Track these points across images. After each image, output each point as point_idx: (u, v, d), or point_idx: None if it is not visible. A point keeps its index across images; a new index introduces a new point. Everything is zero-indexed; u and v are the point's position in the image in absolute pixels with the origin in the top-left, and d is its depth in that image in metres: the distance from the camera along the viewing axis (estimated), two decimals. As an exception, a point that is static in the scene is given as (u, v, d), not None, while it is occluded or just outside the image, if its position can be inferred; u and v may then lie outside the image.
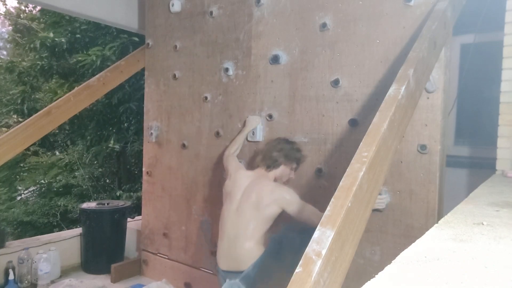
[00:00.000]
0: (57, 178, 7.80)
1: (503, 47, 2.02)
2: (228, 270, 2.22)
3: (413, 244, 0.88)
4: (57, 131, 7.88)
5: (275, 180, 2.36)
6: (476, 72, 2.86)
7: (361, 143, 1.46)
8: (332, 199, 1.28)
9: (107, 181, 8.13)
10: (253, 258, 2.15)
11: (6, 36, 10.77)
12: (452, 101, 2.82)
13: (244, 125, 2.87)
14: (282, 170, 2.36)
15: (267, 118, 2.77)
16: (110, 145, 6.83)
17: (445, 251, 0.84)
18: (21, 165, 8.20)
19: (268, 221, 2.19)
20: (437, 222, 1.07)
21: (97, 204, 3.87)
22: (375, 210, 2.20)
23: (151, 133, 3.53)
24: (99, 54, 6.30)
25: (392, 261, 0.78)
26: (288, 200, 2.16)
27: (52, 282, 3.33)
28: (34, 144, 6.33)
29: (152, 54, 3.59)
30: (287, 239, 2.20)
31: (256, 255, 2.16)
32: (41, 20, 8.00)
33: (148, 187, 3.63)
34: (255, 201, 2.19)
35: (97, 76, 3.68)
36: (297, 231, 2.16)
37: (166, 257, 3.45)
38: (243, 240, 2.18)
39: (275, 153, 2.34)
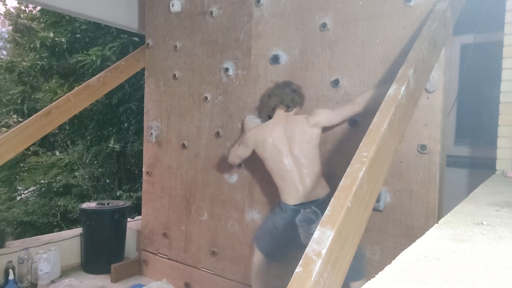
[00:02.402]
0: (57, 178, 7.78)
1: (503, 47, 2.02)
2: (299, 203, 2.33)
3: (413, 244, 0.88)
4: (57, 131, 7.87)
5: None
6: (476, 72, 2.86)
7: (361, 143, 1.46)
8: (332, 199, 1.28)
9: (107, 181, 8.11)
10: (323, 189, 2.33)
11: (6, 36, 10.77)
12: (452, 101, 2.82)
13: (242, 126, 2.87)
14: (295, 111, 2.51)
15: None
16: (110, 145, 6.82)
17: (445, 251, 0.83)
18: (21, 165, 8.18)
19: (317, 147, 2.38)
20: (437, 222, 1.07)
21: (97, 204, 3.87)
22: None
23: (151, 133, 3.53)
24: (99, 54, 6.30)
25: (392, 261, 0.78)
26: (318, 113, 2.36)
27: (52, 282, 3.33)
28: (34, 144, 6.33)
29: (152, 54, 3.59)
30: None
31: (324, 186, 2.35)
32: (41, 20, 7.98)
33: (148, 187, 3.63)
34: (299, 139, 2.35)
35: (97, 76, 3.67)
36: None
37: (166, 257, 3.45)
38: (308, 177, 2.34)
39: (292, 95, 2.47)
